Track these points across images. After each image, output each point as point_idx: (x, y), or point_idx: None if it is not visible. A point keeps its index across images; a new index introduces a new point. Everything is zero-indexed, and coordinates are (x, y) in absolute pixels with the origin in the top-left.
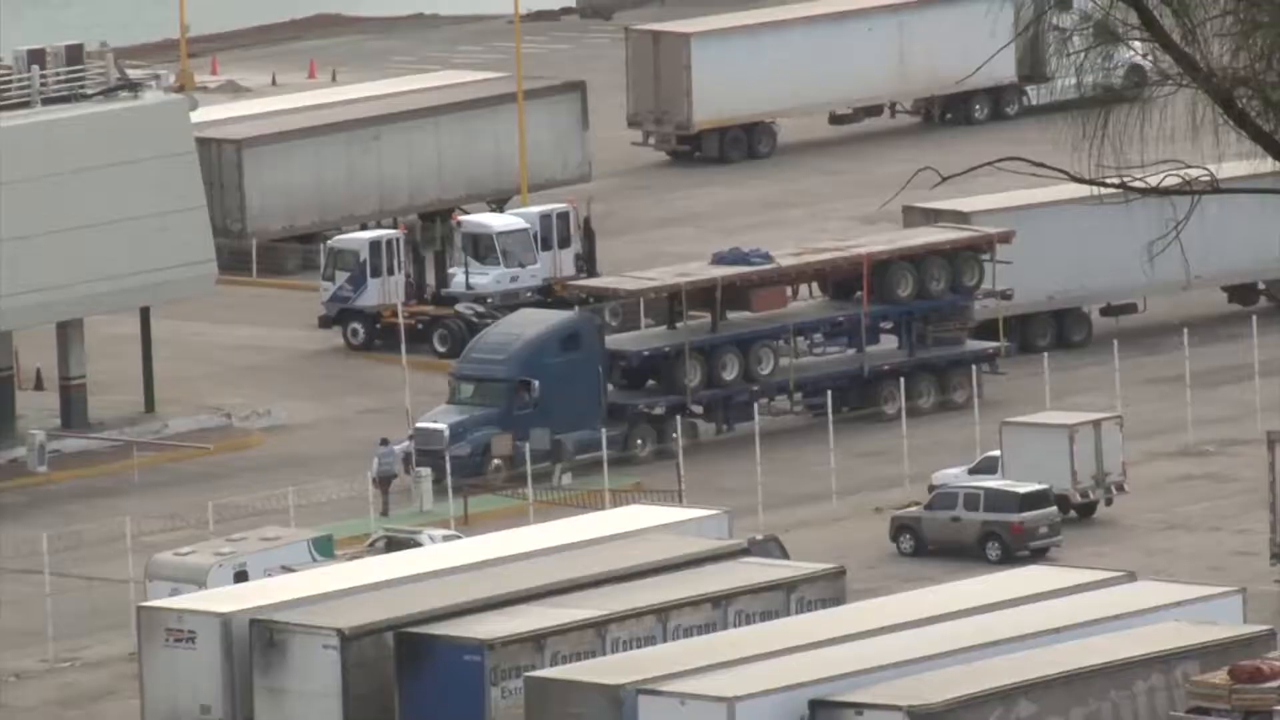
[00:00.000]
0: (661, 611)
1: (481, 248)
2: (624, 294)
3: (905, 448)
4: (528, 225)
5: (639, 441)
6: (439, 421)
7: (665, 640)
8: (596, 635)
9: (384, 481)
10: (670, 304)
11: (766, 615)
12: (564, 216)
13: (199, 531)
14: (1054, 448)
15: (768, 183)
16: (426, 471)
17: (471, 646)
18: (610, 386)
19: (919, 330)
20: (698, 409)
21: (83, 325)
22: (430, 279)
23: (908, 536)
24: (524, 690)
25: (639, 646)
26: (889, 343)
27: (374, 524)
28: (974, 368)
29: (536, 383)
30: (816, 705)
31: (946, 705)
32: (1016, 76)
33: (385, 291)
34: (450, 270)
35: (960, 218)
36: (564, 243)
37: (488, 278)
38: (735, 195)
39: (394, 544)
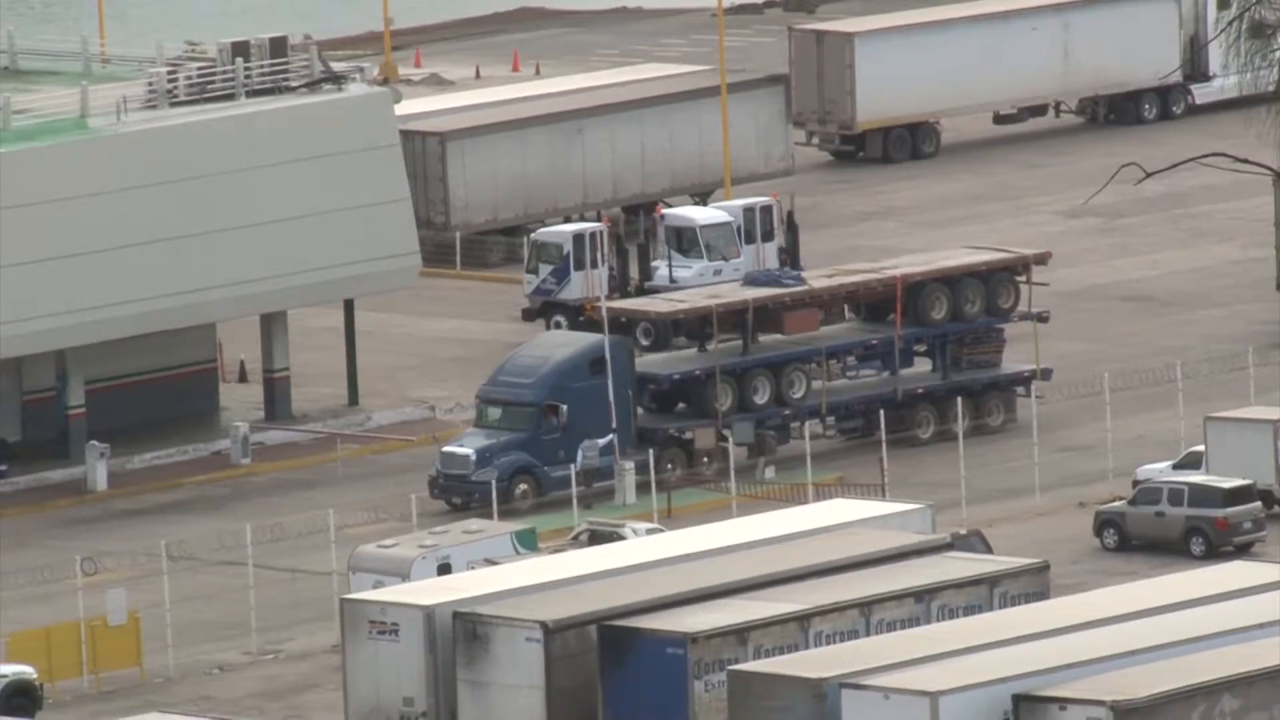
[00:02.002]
0: (865, 606)
1: (685, 241)
2: (655, 316)
3: (1109, 442)
4: (731, 218)
5: (669, 465)
6: (465, 446)
7: (868, 634)
8: (800, 629)
9: (587, 475)
10: (701, 326)
11: (970, 610)
12: (767, 210)
13: (402, 524)
14: (1258, 443)
15: (970, 176)
16: (630, 465)
17: (675, 640)
18: (640, 410)
19: (953, 353)
20: (729, 433)
21: (286, 318)
22: (633, 272)
23: (1112, 531)
24: (727, 683)
25: (842, 640)
26: (923, 366)
27: (578, 517)
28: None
29: (565, 407)
30: (1020, 700)
31: (1150, 700)
32: (1181, 76)
33: (588, 284)
34: (653, 263)
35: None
36: (767, 236)
37: (691, 271)
38: (942, 189)
39: (597, 537)
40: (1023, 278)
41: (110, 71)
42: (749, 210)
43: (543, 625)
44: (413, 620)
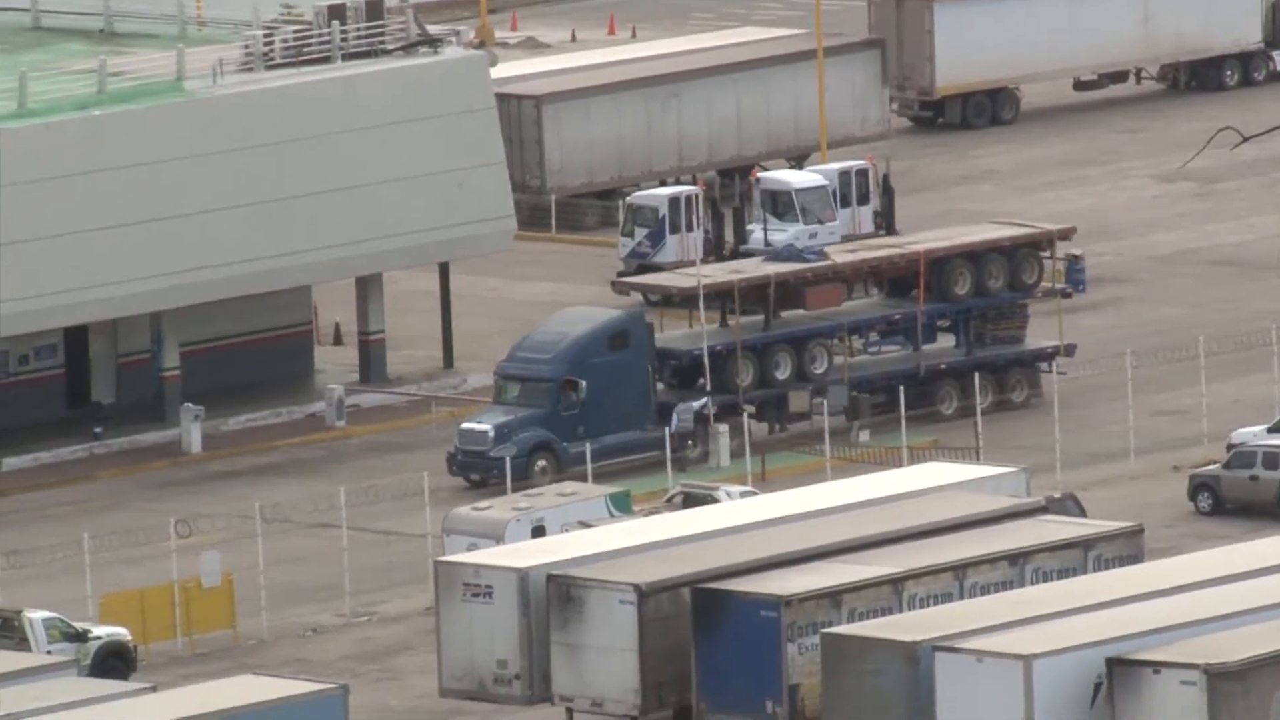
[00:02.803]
0: (959, 569)
1: (780, 204)
2: (677, 292)
3: (1204, 406)
4: (826, 182)
5: (689, 443)
6: (483, 422)
7: (962, 597)
8: (894, 592)
9: (682, 437)
10: (723, 301)
11: (1064, 573)
12: (863, 173)
13: (496, 486)
14: None
15: (1065, 141)
16: (724, 428)
17: (769, 602)
18: (660, 386)
19: (976, 329)
20: (750, 409)
21: (382, 280)
22: (729, 235)
23: (1206, 495)
24: (820, 646)
25: (936, 604)
26: (946, 341)
27: (672, 480)
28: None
29: (584, 383)
30: (1113, 663)
31: (1243, 664)
32: (1263, 42)
33: (684, 248)
34: (749, 227)
35: None
36: (863, 200)
37: (786, 234)
38: (1035, 153)
39: (691, 500)
40: (1047, 253)
41: (206, 34)
42: (844, 174)
43: (636, 588)
44: (507, 583)
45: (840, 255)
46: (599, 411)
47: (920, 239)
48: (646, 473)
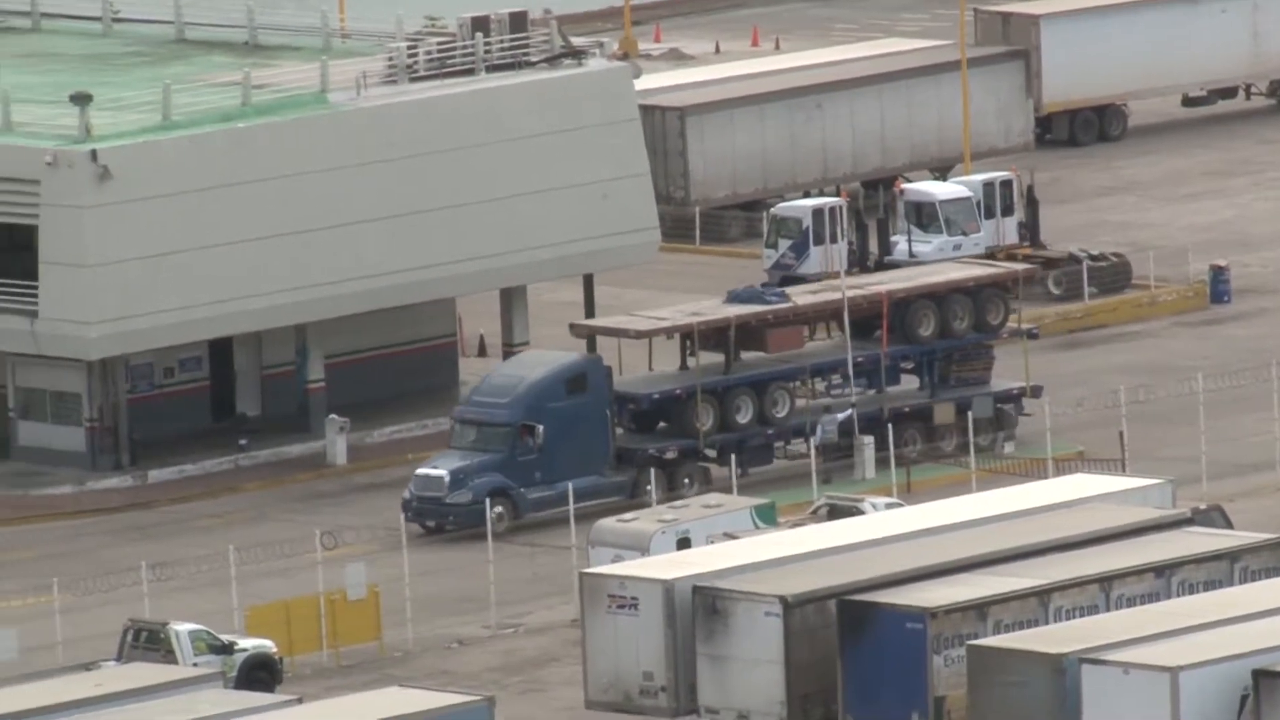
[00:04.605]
0: (1105, 581)
1: (924, 215)
2: (634, 334)
3: None
4: (971, 193)
5: (648, 488)
6: (439, 467)
7: (1108, 609)
8: (1039, 604)
9: (826, 449)
10: (682, 344)
11: (1210, 585)
12: (1007, 184)
13: (640, 499)
14: None
15: (1207, 152)
16: (869, 440)
17: (914, 614)
18: (619, 430)
19: (941, 370)
20: (711, 453)
21: (526, 292)
22: (873, 247)
23: None
24: (966, 658)
25: (1082, 615)
26: (910, 383)
27: (817, 492)
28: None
29: (541, 427)
30: (1260, 675)
31: None
32: None
33: (827, 259)
34: (893, 238)
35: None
36: (1007, 211)
37: (930, 246)
38: (1176, 165)
39: (837, 511)
40: (1012, 293)
41: (350, 46)
42: (988, 185)
43: (782, 600)
44: (652, 594)
45: (801, 297)
46: (557, 456)
47: (883, 280)
48: (791, 485)
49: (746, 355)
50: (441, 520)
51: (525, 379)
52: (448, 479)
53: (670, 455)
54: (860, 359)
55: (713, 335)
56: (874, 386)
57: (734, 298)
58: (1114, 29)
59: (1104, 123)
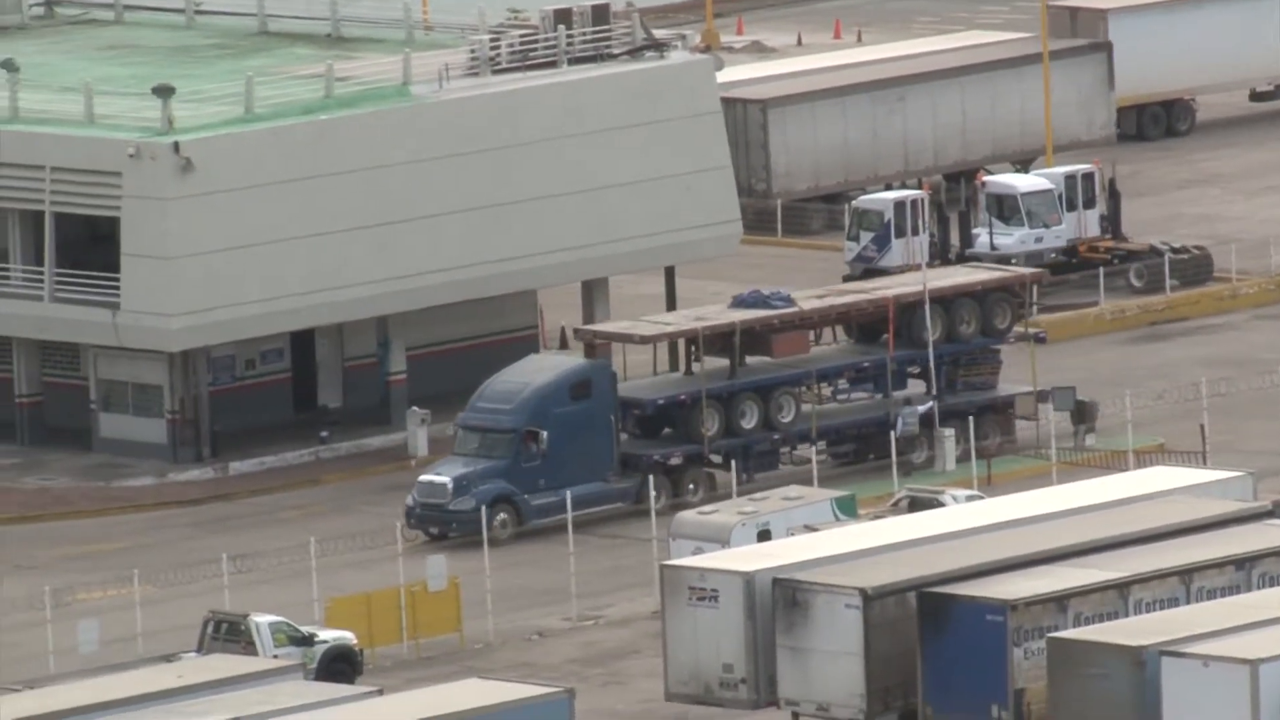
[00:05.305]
0: (1185, 573)
1: (1006, 208)
2: (639, 340)
3: None
4: (1052, 186)
5: (653, 493)
6: (442, 474)
7: (1189, 602)
8: (1119, 596)
9: (906, 441)
10: (687, 349)
11: None
12: (1089, 177)
13: (720, 491)
14: None
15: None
16: (950, 432)
17: (994, 606)
18: (624, 436)
19: (948, 375)
20: (716, 459)
21: (608, 284)
22: (954, 239)
23: None
24: (1046, 650)
25: (1162, 608)
26: (916, 388)
27: (897, 484)
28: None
29: (545, 433)
30: None
31: None
32: None
33: (909, 252)
34: (974, 231)
35: None
36: (1089, 203)
37: (1012, 238)
38: (1258, 158)
39: (917, 504)
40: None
41: (433, 39)
42: (1070, 178)
43: (862, 592)
44: (732, 587)
45: (807, 301)
46: (561, 463)
47: (890, 284)
48: (872, 477)
49: (751, 360)
50: (445, 527)
51: (529, 384)
52: (451, 486)
53: (675, 461)
54: (866, 364)
55: (718, 340)
56: (880, 391)
57: (739, 302)
58: (1182, 23)
59: (1171, 117)
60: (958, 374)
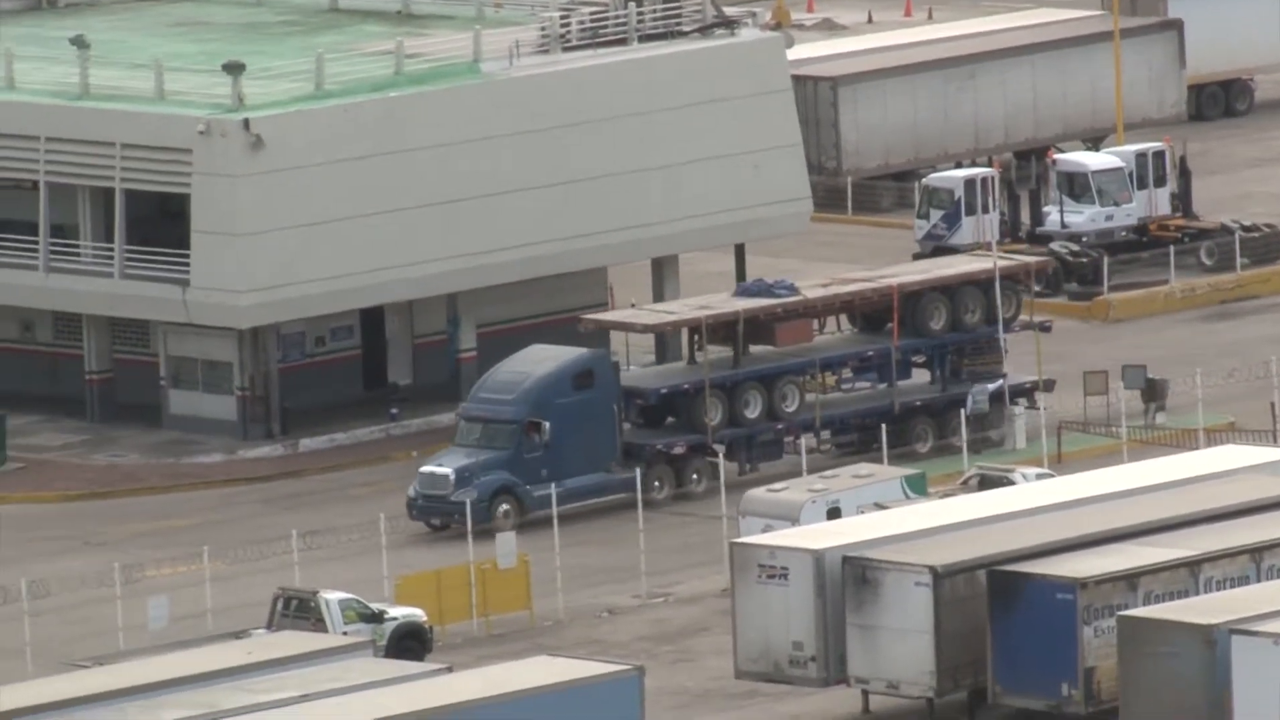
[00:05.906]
0: (1256, 551)
1: (1077, 186)
2: (641, 328)
3: None
4: (1123, 164)
5: (656, 483)
6: (444, 465)
7: (1259, 580)
8: (1190, 575)
9: (977, 420)
10: (690, 338)
11: None
12: (1160, 155)
13: (791, 468)
14: None
15: None
16: (1020, 410)
17: (1064, 585)
18: (627, 426)
19: (953, 364)
20: (719, 449)
21: (678, 262)
22: (1024, 217)
23: None
24: (1116, 629)
25: (1232, 586)
26: (921, 377)
27: (968, 462)
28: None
29: (548, 424)
30: None
31: None
32: None
33: (979, 230)
34: (1045, 209)
35: None
36: (1159, 182)
37: (1082, 216)
38: None
39: (987, 482)
40: (1023, 287)
41: (503, 16)
42: (1141, 156)
43: (932, 570)
44: (802, 564)
45: (811, 290)
46: (563, 453)
47: (894, 273)
48: (943, 455)
49: (755, 349)
50: (446, 518)
51: (531, 374)
52: (453, 477)
53: (678, 451)
54: (870, 353)
55: (721, 329)
56: (885, 380)
57: (742, 291)
58: (1243, 3)
59: (1230, 97)
60: (963, 363)
